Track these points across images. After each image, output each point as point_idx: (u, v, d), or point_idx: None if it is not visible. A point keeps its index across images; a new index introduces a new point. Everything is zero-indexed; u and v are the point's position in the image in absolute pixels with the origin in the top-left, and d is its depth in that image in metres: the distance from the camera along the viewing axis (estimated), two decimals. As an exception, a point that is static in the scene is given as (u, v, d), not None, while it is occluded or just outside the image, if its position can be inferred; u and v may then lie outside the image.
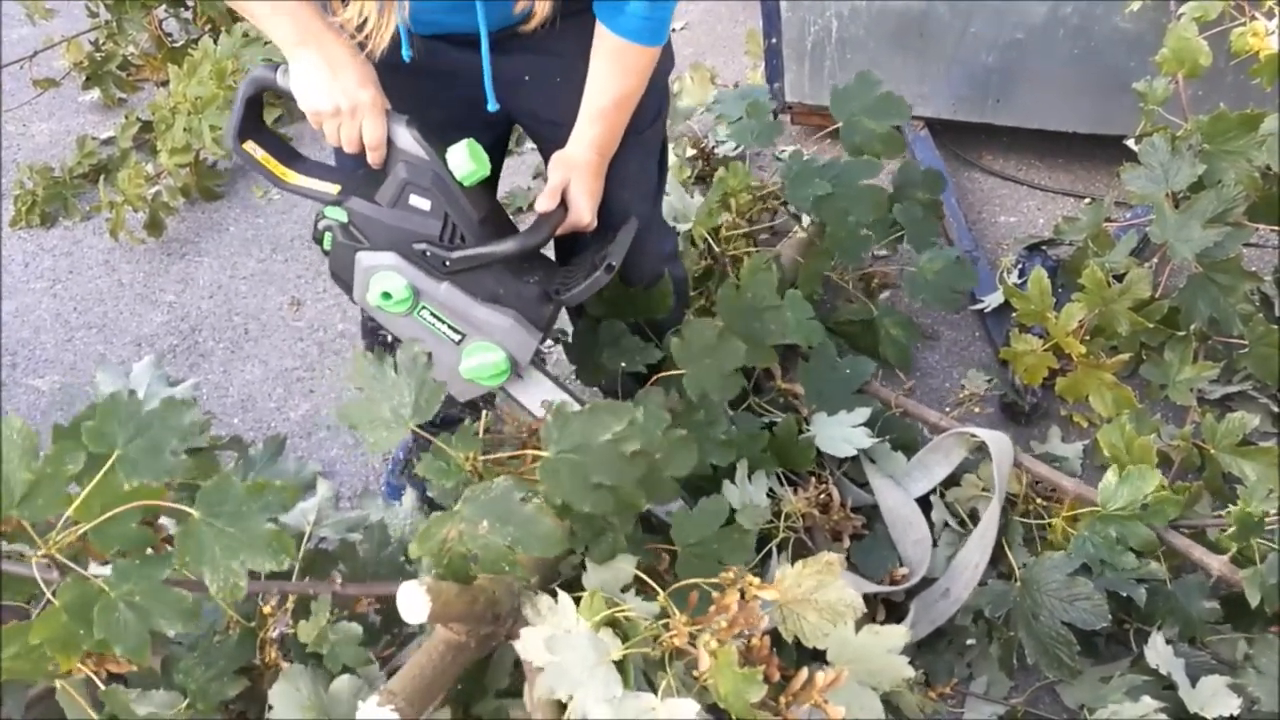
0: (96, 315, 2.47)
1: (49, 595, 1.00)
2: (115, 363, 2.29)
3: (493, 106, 1.37)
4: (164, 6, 3.16)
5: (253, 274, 2.58)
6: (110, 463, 1.01)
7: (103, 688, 1.09)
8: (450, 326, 1.37)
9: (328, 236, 1.37)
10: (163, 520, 1.12)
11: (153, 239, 2.67)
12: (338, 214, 1.36)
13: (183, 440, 1.06)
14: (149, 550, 1.03)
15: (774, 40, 2.64)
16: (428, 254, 1.33)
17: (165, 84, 2.95)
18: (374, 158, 1.30)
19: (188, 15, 3.22)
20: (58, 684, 1.09)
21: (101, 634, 0.96)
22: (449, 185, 1.29)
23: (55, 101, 3.27)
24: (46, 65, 3.20)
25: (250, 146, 1.35)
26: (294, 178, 1.37)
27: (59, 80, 3.19)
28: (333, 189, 1.36)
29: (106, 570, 1.03)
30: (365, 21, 1.22)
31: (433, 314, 1.37)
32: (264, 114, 1.39)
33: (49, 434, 1.05)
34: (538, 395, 1.45)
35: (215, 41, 2.68)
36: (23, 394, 2.24)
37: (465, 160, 1.27)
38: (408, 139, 1.28)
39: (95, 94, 3.23)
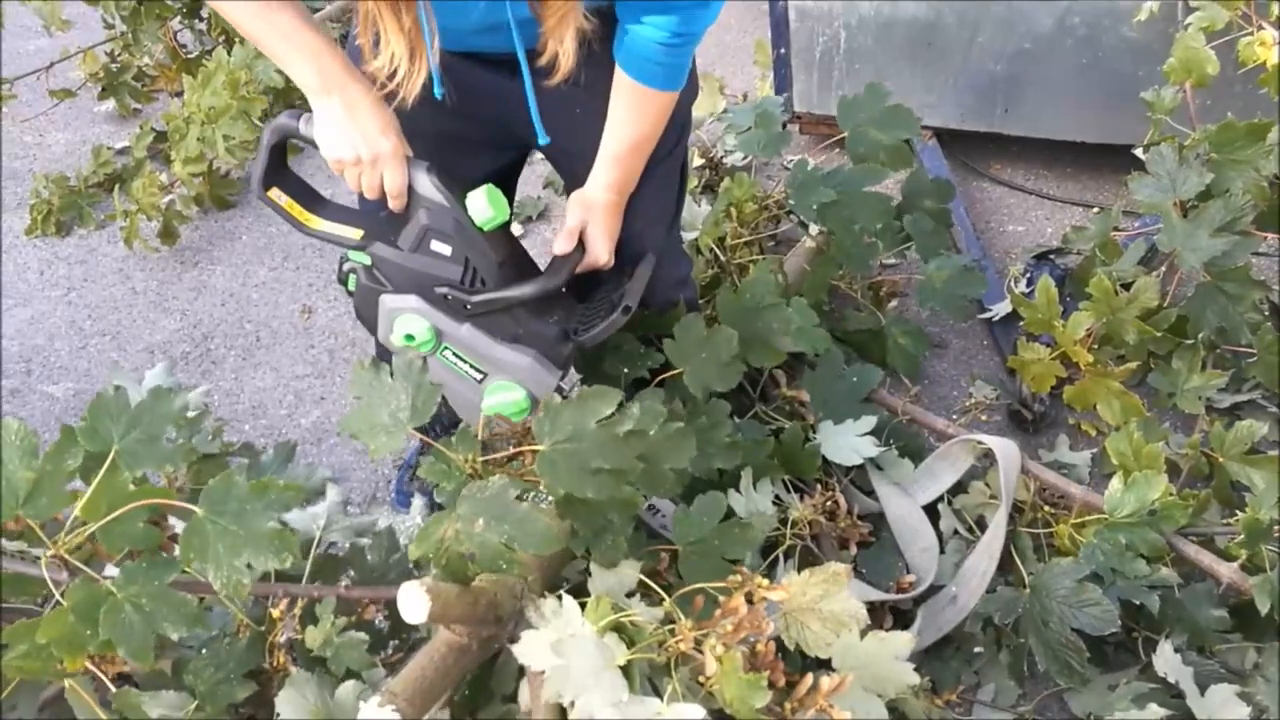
0: (110, 323, 2.49)
1: (58, 596, 1.01)
2: (128, 369, 2.32)
3: (543, 140, 1.37)
4: (179, 18, 3.20)
5: (264, 282, 2.60)
6: (111, 458, 1.03)
7: (112, 688, 1.11)
8: (472, 366, 1.40)
9: (352, 279, 1.40)
10: (172, 520, 1.13)
11: (166, 247, 2.69)
12: (361, 258, 1.38)
13: (177, 426, 1.07)
14: (157, 551, 1.04)
15: (782, 50, 2.65)
16: (449, 297, 1.35)
17: (179, 94, 2.98)
18: (395, 205, 1.31)
19: (202, 27, 3.26)
20: (66, 684, 1.10)
21: (107, 634, 0.97)
22: (469, 231, 1.30)
23: (71, 112, 3.30)
24: (63, 76, 3.24)
25: (275, 194, 1.36)
26: (317, 223, 1.39)
27: (75, 91, 3.23)
28: (356, 234, 1.38)
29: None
30: (396, 70, 1.21)
31: (455, 354, 1.40)
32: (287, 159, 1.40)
33: (62, 439, 1.06)
34: None
35: (229, 53, 2.70)
36: (38, 400, 2.26)
37: (485, 206, 1.28)
38: (428, 186, 1.29)
39: (111, 104, 3.27)
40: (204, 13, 3.20)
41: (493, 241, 1.33)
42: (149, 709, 1.11)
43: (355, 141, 1.25)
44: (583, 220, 1.42)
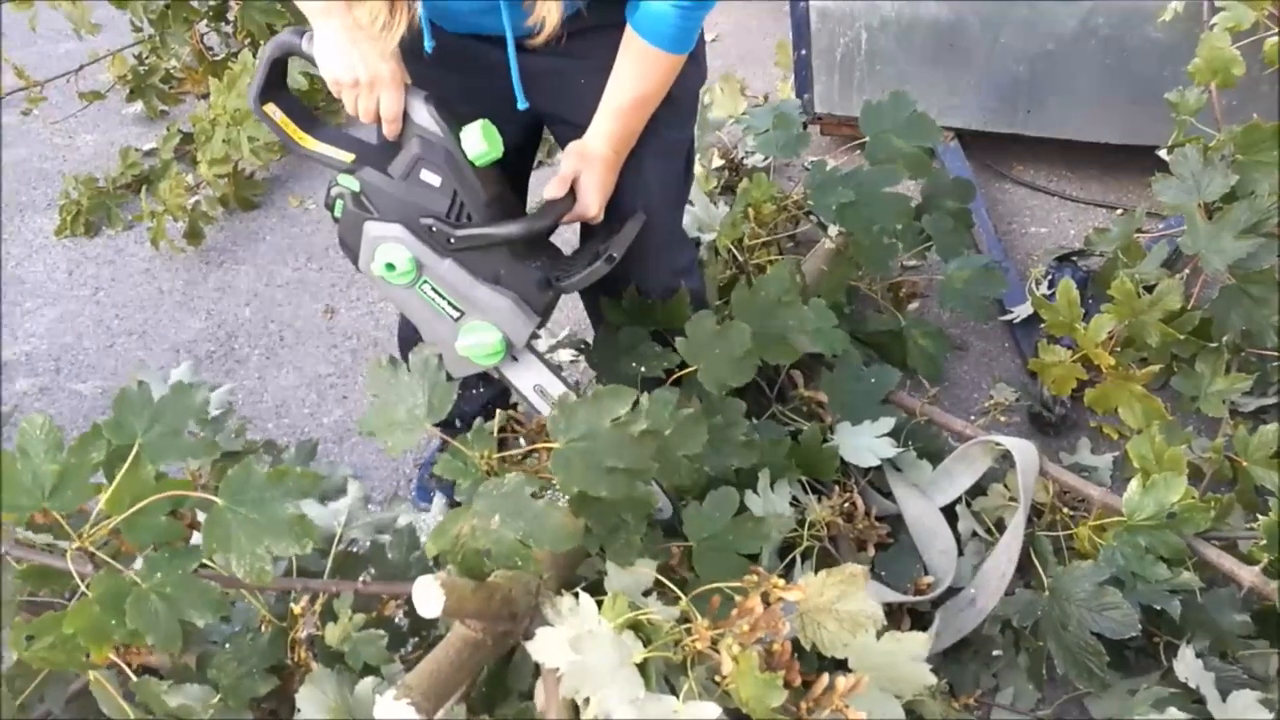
0: (137, 322, 2.52)
1: (83, 588, 1.03)
2: (155, 368, 2.34)
3: (522, 104, 1.40)
4: (205, 21, 3.24)
5: (288, 282, 2.63)
6: (135, 452, 1.04)
7: (134, 679, 1.12)
8: (450, 303, 1.39)
9: (339, 204, 1.40)
10: (199, 515, 1.15)
11: (192, 248, 2.73)
12: (350, 182, 1.38)
13: (200, 422, 1.09)
14: (179, 543, 1.06)
15: (804, 52, 2.65)
16: (433, 229, 1.35)
17: (206, 97, 3.01)
18: (389, 130, 1.32)
19: (228, 30, 3.30)
20: (90, 676, 1.12)
21: (134, 624, 0.98)
22: (460, 163, 1.31)
23: (100, 114, 3.35)
24: (92, 78, 3.29)
25: (270, 108, 1.37)
26: (310, 143, 1.39)
27: (104, 93, 3.28)
28: (347, 157, 1.37)
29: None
30: (377, 19, 1.25)
31: (434, 289, 1.39)
32: (287, 77, 1.41)
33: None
34: (530, 379, 1.47)
35: (254, 55, 2.73)
36: (66, 398, 2.30)
37: (478, 140, 1.29)
38: (424, 114, 1.30)
39: (138, 106, 3.31)
40: (230, 16, 3.24)
41: (483, 177, 1.33)
42: (169, 699, 1.12)
43: (354, 63, 1.26)
44: (576, 169, 1.42)
